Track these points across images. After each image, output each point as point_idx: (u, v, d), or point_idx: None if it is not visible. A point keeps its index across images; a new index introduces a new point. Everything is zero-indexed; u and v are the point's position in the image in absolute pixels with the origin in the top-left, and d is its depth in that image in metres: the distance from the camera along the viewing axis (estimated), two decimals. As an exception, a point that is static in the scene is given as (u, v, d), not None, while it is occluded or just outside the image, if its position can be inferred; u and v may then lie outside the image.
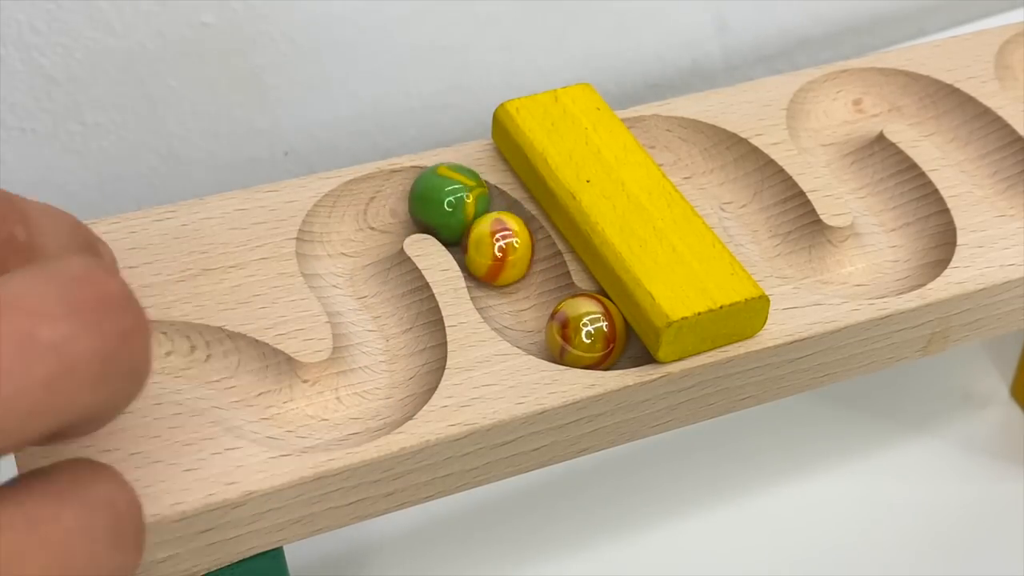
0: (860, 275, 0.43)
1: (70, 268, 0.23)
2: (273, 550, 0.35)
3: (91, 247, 0.29)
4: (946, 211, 0.43)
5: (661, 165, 0.44)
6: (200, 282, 0.38)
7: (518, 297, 0.41)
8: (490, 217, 0.40)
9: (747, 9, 0.67)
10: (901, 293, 0.41)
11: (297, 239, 0.40)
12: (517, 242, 0.40)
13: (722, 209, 0.44)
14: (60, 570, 0.23)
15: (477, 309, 0.39)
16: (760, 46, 0.69)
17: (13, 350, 0.21)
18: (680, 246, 0.39)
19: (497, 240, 0.40)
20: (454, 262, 0.40)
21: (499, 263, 0.40)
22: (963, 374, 0.54)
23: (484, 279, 0.40)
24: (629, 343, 0.39)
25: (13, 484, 0.24)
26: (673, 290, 0.37)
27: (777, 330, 0.39)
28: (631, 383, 0.37)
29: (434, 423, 0.35)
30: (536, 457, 0.37)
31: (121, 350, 0.23)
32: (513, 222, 0.40)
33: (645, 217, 0.39)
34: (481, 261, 0.40)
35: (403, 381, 0.38)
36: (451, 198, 0.41)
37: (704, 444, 0.51)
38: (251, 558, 0.35)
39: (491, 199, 0.42)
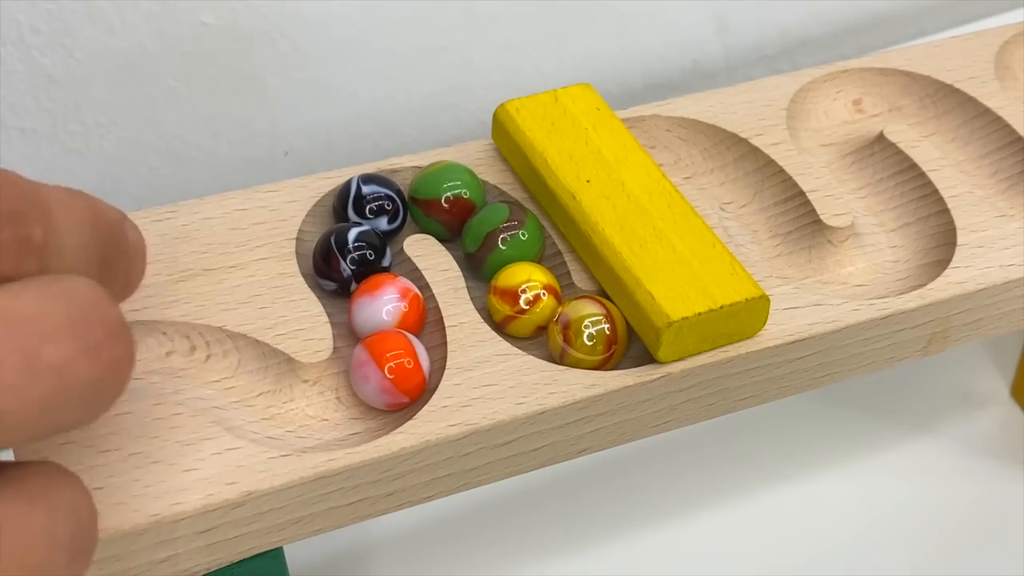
0: (860, 275, 0.43)
1: (78, 290, 0.24)
2: (273, 550, 0.35)
3: (115, 243, 0.28)
4: (946, 211, 0.43)
5: (661, 165, 0.44)
6: (200, 282, 0.38)
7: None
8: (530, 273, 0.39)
9: (747, 9, 0.67)
10: (901, 293, 0.41)
11: (297, 239, 0.40)
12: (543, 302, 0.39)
13: (722, 209, 0.44)
14: (18, 572, 0.23)
15: (477, 309, 0.39)
16: (760, 46, 0.69)
17: (19, 367, 0.22)
18: (680, 246, 0.39)
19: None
20: (454, 262, 0.40)
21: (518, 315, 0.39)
22: (963, 374, 0.54)
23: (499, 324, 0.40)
24: (629, 343, 0.39)
25: None
26: (673, 290, 0.37)
27: (777, 330, 0.39)
28: (631, 383, 0.37)
29: (434, 423, 0.35)
30: (536, 457, 0.37)
31: (112, 378, 0.24)
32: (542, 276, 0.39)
33: (645, 217, 0.39)
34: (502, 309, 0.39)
35: (403, 381, 0.38)
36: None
37: (704, 444, 0.51)
38: (251, 558, 0.35)
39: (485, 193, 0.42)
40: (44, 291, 0.23)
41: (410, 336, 0.37)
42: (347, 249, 0.39)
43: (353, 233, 0.39)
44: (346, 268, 0.39)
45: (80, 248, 0.26)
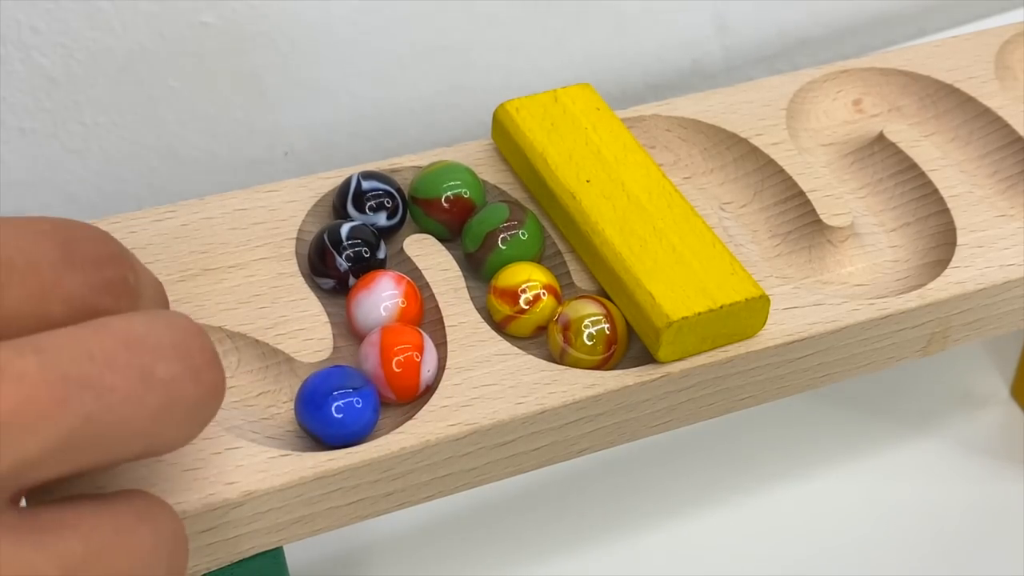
0: (860, 275, 0.43)
1: (178, 320, 0.27)
2: (273, 550, 0.35)
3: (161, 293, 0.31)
4: (946, 211, 0.43)
5: (661, 165, 0.44)
6: (200, 282, 0.38)
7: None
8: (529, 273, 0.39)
9: (747, 9, 0.67)
10: (901, 293, 0.41)
11: (297, 239, 0.40)
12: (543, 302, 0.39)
13: (722, 209, 0.44)
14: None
15: (477, 309, 0.39)
16: (760, 46, 0.69)
17: (136, 379, 0.25)
18: (680, 246, 0.39)
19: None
20: (454, 262, 0.40)
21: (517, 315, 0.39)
22: (963, 374, 0.54)
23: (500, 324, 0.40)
24: (629, 343, 0.39)
25: (97, 497, 0.26)
26: (673, 290, 0.37)
27: (777, 330, 0.39)
28: (631, 383, 0.37)
29: (434, 423, 0.35)
30: (536, 457, 0.37)
31: (209, 400, 0.27)
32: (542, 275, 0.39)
33: (645, 217, 0.39)
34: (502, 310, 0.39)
35: (403, 381, 0.38)
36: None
37: (704, 444, 0.51)
38: (251, 558, 0.35)
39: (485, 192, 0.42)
40: (151, 318, 0.26)
41: (426, 343, 0.37)
42: (342, 245, 0.39)
43: (346, 228, 0.39)
44: (342, 263, 0.39)
45: (155, 300, 0.29)
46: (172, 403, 0.26)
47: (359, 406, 0.35)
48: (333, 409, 0.35)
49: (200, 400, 0.26)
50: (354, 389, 0.35)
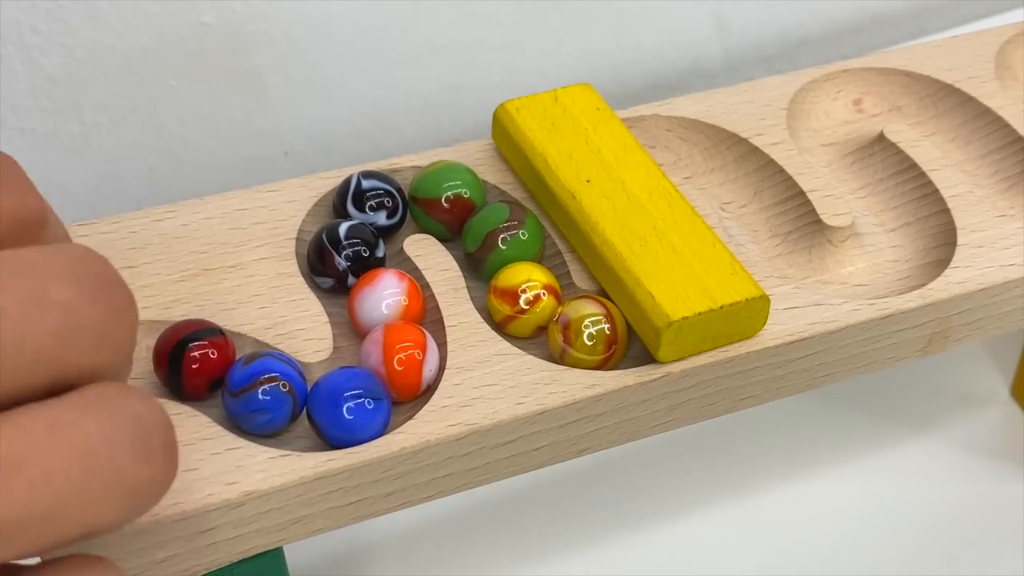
0: (860, 275, 0.43)
1: (75, 249, 0.27)
2: (273, 550, 0.35)
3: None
4: (946, 211, 0.43)
5: (661, 165, 0.44)
6: (200, 282, 0.38)
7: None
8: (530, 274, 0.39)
9: (747, 9, 0.67)
10: (901, 293, 0.41)
11: (297, 239, 0.40)
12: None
13: (722, 209, 0.44)
14: (81, 472, 0.25)
15: (477, 309, 0.39)
16: (760, 46, 0.69)
17: (28, 299, 0.25)
18: (680, 246, 0.39)
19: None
20: (454, 262, 0.40)
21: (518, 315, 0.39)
22: (963, 374, 0.54)
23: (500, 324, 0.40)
24: (630, 343, 0.39)
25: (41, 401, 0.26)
26: (673, 290, 0.37)
27: (777, 330, 0.39)
28: (631, 383, 0.37)
29: (434, 423, 0.35)
30: (536, 457, 0.37)
31: (115, 322, 0.26)
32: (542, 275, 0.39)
33: (645, 217, 0.39)
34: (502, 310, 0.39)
35: (403, 381, 0.38)
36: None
37: (704, 444, 0.51)
38: (251, 558, 0.35)
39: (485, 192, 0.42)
40: (44, 249, 0.27)
41: (428, 342, 0.37)
42: (340, 244, 0.39)
43: (344, 228, 0.39)
44: (341, 263, 0.39)
45: (63, 237, 0.30)
46: (73, 324, 0.25)
47: (370, 408, 0.35)
48: (345, 411, 0.35)
49: (104, 320, 0.26)
50: (373, 398, 0.35)
